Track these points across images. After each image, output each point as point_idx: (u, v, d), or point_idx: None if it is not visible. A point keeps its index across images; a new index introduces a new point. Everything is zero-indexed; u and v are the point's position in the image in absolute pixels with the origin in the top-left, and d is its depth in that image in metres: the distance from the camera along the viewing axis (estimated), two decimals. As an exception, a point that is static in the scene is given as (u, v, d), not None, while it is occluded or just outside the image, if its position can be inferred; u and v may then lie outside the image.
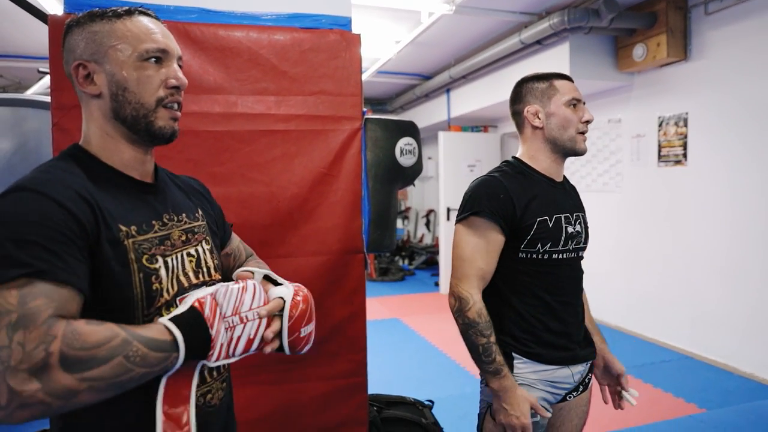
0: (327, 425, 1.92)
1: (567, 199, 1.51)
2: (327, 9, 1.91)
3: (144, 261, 0.87)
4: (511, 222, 1.37)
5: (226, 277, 1.09)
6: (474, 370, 1.74)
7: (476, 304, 1.34)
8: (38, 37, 4.75)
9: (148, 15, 0.93)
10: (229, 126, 1.80)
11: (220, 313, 0.84)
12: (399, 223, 9.46)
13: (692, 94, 4.09)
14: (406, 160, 2.06)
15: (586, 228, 1.53)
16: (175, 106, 0.93)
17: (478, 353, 1.34)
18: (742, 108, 3.68)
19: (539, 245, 1.38)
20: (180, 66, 0.95)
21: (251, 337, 0.87)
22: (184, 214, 1.00)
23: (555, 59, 4.62)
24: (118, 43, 0.88)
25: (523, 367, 1.40)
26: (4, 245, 0.72)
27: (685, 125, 4.13)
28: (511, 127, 6.70)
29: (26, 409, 0.66)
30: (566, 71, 4.42)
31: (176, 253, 0.94)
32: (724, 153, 3.84)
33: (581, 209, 1.55)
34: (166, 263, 0.90)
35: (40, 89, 4.68)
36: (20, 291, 0.70)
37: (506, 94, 5.62)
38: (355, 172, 1.92)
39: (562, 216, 1.43)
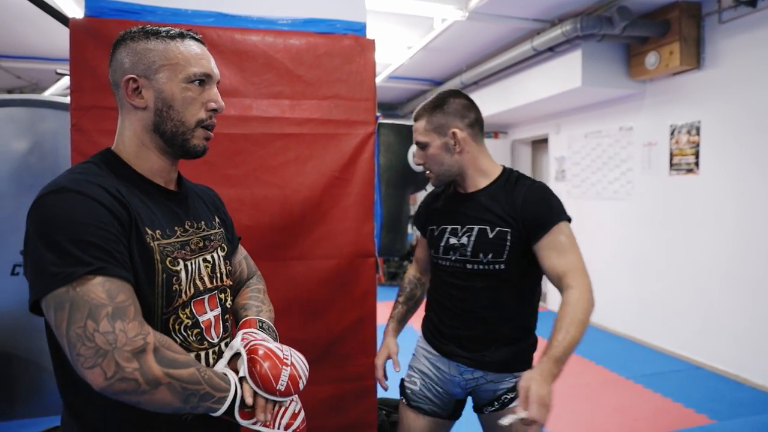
0: (335, 428, 1.92)
1: (467, 210, 1.49)
2: (342, 14, 1.93)
3: (168, 263, 0.91)
4: (422, 227, 1.69)
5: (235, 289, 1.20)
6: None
7: (406, 276, 1.82)
8: (56, 39, 4.81)
9: (197, 40, 0.99)
10: (243, 129, 1.81)
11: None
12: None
13: (705, 102, 4.07)
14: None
15: (483, 242, 1.43)
16: (210, 127, 0.99)
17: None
18: (755, 117, 3.66)
19: (432, 251, 1.60)
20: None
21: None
22: (203, 222, 1.06)
23: (567, 66, 4.62)
24: (169, 63, 0.93)
25: (419, 339, 1.72)
26: (64, 245, 0.78)
27: (698, 134, 4.11)
28: (521, 133, 6.68)
29: (124, 382, 0.77)
30: (578, 78, 4.42)
31: (194, 258, 0.99)
32: (736, 162, 3.82)
33: (485, 222, 1.45)
34: (186, 267, 0.95)
35: (57, 90, 4.74)
36: (103, 286, 0.78)
37: (517, 101, 5.59)
38: (368, 176, 1.93)
39: (448, 227, 1.54)
